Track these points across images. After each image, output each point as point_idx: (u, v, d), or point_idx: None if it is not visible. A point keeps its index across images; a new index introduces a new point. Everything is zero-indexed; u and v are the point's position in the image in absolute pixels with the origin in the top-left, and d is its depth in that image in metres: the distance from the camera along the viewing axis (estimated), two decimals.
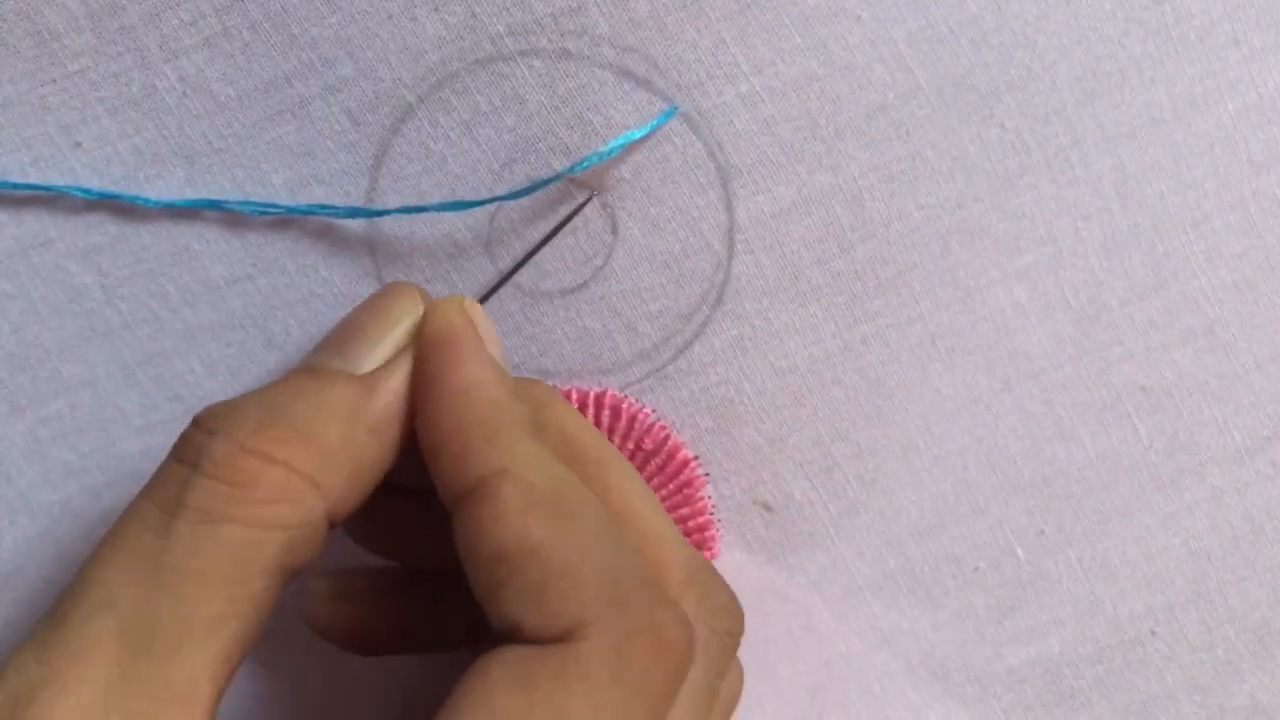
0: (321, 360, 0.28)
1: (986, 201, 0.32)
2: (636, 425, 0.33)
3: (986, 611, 0.35)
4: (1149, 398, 0.33)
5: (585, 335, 0.33)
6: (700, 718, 0.27)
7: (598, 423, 0.33)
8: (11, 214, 0.32)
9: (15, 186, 0.31)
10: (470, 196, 0.32)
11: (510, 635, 0.25)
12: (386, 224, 0.32)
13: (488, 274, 0.32)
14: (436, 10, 0.30)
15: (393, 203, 0.32)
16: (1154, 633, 0.35)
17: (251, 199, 0.32)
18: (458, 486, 0.26)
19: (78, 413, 0.33)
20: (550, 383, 0.33)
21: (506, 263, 0.32)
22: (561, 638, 0.25)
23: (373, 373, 0.27)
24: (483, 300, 0.31)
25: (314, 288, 0.32)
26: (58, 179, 0.31)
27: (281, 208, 0.31)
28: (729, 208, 0.32)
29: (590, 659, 0.25)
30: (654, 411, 0.33)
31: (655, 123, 0.31)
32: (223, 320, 0.32)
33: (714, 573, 0.29)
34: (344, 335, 0.28)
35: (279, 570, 0.25)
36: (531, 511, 0.25)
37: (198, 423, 0.26)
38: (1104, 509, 0.34)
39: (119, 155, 0.31)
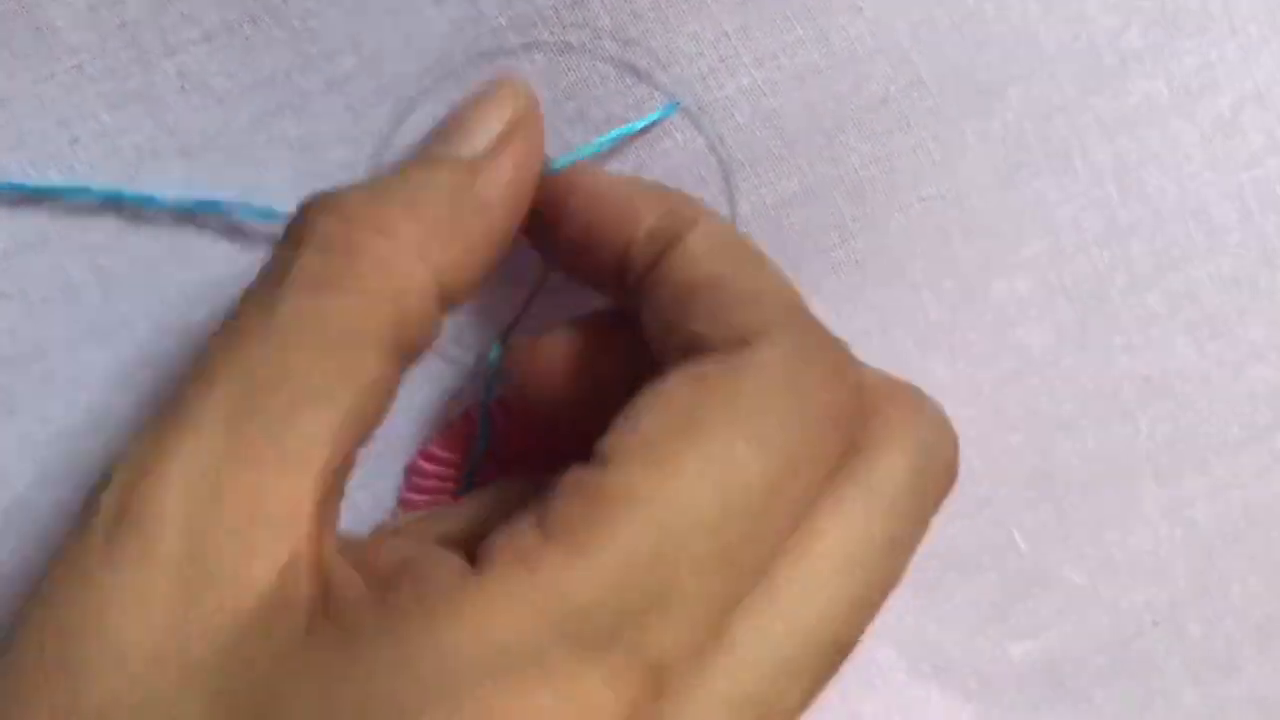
0: (426, 150, 0.28)
1: (988, 193, 0.32)
2: None
3: (989, 605, 0.35)
4: (1150, 388, 0.34)
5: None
6: (869, 505, 0.26)
7: None
8: (9, 212, 0.31)
9: (18, 188, 0.31)
10: None
11: (685, 360, 0.25)
12: None
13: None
14: (438, 3, 0.30)
15: None
16: (1155, 624, 0.35)
17: (251, 196, 0.31)
18: (646, 251, 0.27)
19: (73, 414, 0.33)
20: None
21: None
22: (740, 342, 0.25)
23: (476, 156, 0.28)
24: (513, 325, 0.32)
25: None
26: (55, 175, 0.31)
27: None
28: (731, 201, 0.32)
29: (764, 360, 0.25)
30: None
31: (653, 116, 0.31)
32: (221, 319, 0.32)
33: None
34: (448, 127, 0.29)
35: (392, 344, 0.25)
36: (719, 251, 0.27)
37: (304, 207, 0.26)
38: (1106, 500, 0.34)
39: (117, 151, 0.31)
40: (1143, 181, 0.32)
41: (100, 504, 0.23)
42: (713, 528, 0.23)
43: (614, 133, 0.31)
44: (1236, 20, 0.31)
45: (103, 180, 0.31)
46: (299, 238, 0.26)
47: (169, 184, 0.31)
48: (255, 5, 0.30)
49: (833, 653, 0.25)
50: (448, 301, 0.26)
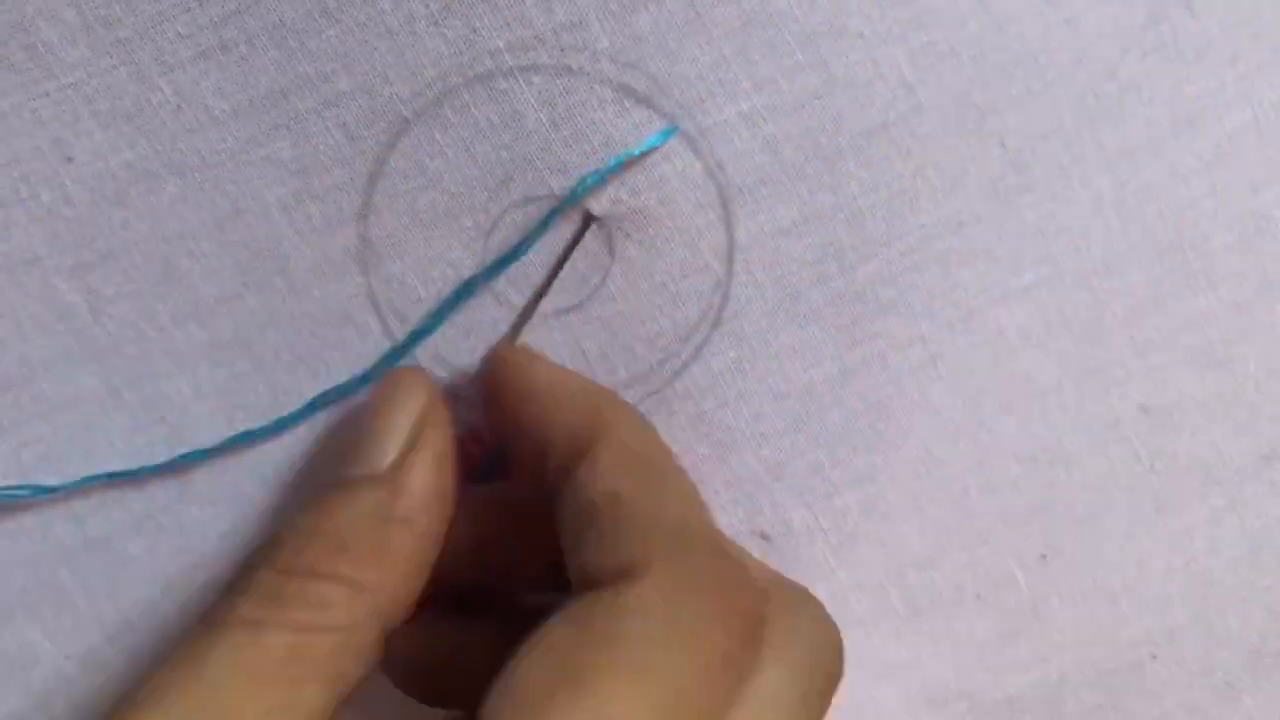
0: (343, 472, 0.29)
1: (987, 221, 0.32)
2: None
3: (987, 638, 0.35)
4: (1149, 418, 0.33)
5: (581, 357, 0.32)
6: None
7: None
8: (1, 230, 0.31)
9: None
10: (466, 213, 0.31)
11: (579, 586, 0.25)
12: (379, 242, 0.31)
13: (482, 291, 0.32)
14: (436, 25, 0.30)
15: (386, 219, 0.31)
16: (1154, 656, 0.35)
17: (245, 214, 0.31)
18: (560, 460, 0.28)
19: (61, 435, 0.32)
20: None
21: (501, 282, 0.32)
22: (623, 575, 0.25)
23: (391, 467, 0.29)
24: (512, 338, 0.32)
25: (305, 307, 0.32)
26: (47, 194, 0.31)
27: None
28: (728, 227, 0.32)
29: (646, 595, 0.24)
30: None
31: (652, 141, 0.31)
32: (211, 340, 0.32)
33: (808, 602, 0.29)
34: (356, 440, 0.29)
35: (334, 676, 0.26)
36: (622, 467, 0.27)
37: (242, 567, 0.28)
38: (1104, 531, 0.34)
39: (110, 170, 0.31)
40: (1142, 209, 0.32)
41: None
42: None
43: (613, 161, 0.31)
44: (1236, 48, 0.31)
45: (94, 199, 0.31)
46: (239, 589, 0.27)
47: (161, 202, 0.31)
48: (252, 24, 0.30)
49: None
50: (387, 623, 0.28)
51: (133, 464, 0.32)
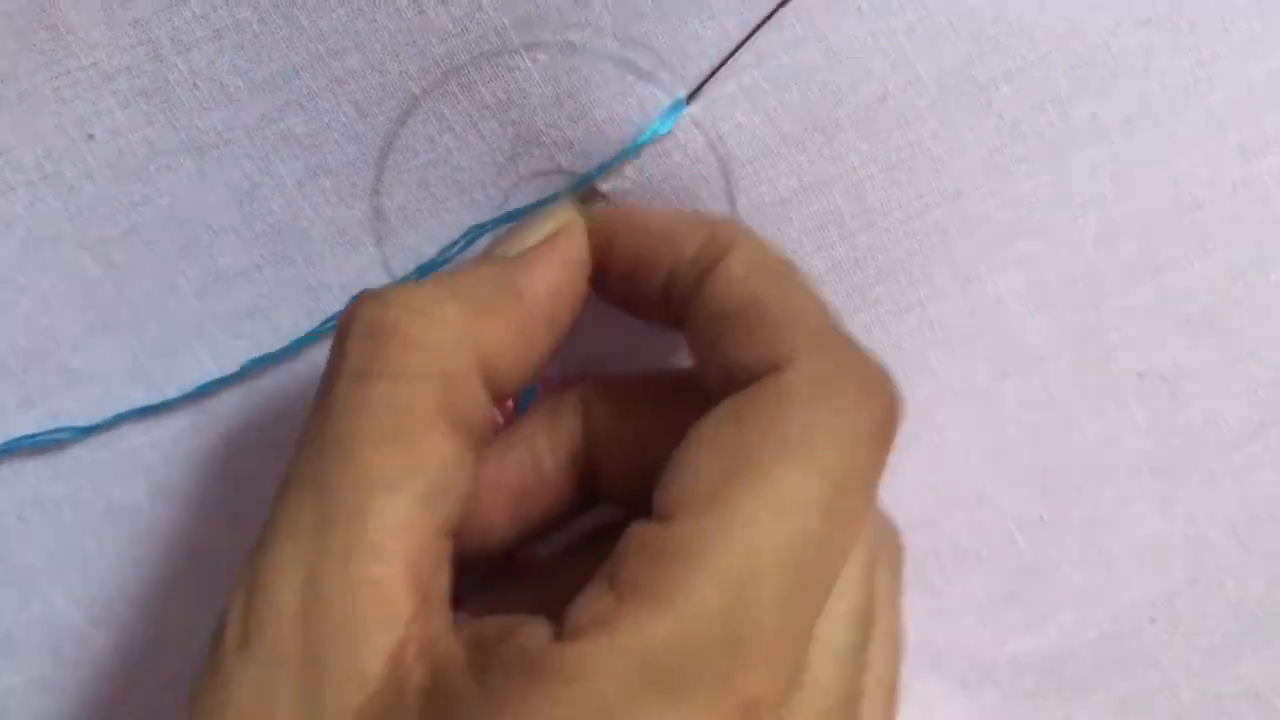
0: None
1: (984, 190, 0.33)
2: None
3: (987, 599, 0.35)
4: (1146, 384, 0.34)
5: (584, 330, 0.33)
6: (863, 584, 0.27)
7: None
8: (26, 206, 0.32)
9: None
10: (477, 187, 0.32)
11: (725, 388, 0.26)
12: (394, 214, 0.32)
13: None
14: (443, 2, 0.31)
15: (399, 192, 0.32)
16: (1153, 620, 0.35)
17: (261, 188, 0.32)
18: (689, 276, 0.28)
19: (86, 406, 0.33)
20: (548, 380, 0.33)
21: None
22: (772, 369, 0.26)
23: (518, 254, 0.29)
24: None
25: (321, 277, 0.33)
26: (70, 171, 0.32)
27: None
28: (731, 198, 0.32)
29: (802, 383, 0.25)
30: None
31: (671, 115, 0.31)
32: (231, 311, 0.33)
33: None
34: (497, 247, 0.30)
35: (448, 422, 0.26)
36: (753, 274, 0.28)
37: (351, 301, 0.27)
38: (1103, 495, 0.35)
39: (130, 147, 0.32)
40: (1137, 178, 0.33)
41: (227, 620, 0.25)
42: (779, 564, 0.24)
43: (641, 138, 0.31)
44: (1228, 19, 0.32)
45: (115, 175, 0.32)
46: (344, 329, 0.27)
47: (180, 181, 0.32)
48: (264, 4, 0.31)
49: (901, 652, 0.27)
50: (495, 386, 0.27)
51: (153, 432, 0.33)
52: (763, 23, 0.31)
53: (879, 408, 0.26)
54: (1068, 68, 0.32)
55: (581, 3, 0.31)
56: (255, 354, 0.33)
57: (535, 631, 0.24)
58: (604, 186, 0.32)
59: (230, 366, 0.33)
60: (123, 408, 0.33)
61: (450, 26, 0.31)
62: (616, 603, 0.23)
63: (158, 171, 0.32)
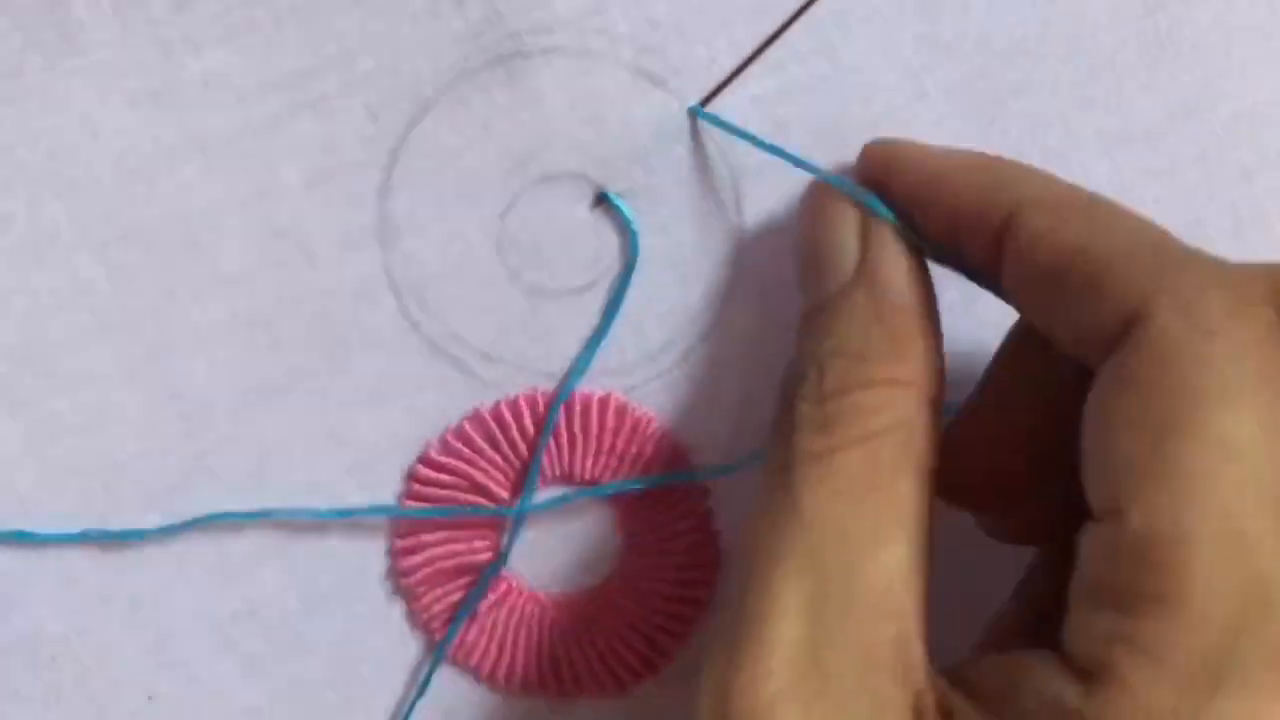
0: (812, 297, 0.29)
1: None
2: (639, 432, 0.33)
3: None
4: None
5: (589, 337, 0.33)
6: None
7: (600, 427, 0.33)
8: (24, 206, 0.31)
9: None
10: (485, 191, 0.32)
11: (1083, 348, 0.25)
12: (397, 219, 0.32)
13: (498, 270, 0.32)
14: (458, 5, 0.31)
15: (406, 196, 0.32)
16: None
17: (268, 191, 0.32)
18: (988, 242, 0.27)
19: (78, 410, 0.33)
20: (553, 384, 0.33)
21: (516, 262, 0.32)
22: (1133, 321, 0.24)
23: (856, 270, 0.28)
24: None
25: (322, 282, 0.32)
26: (72, 170, 0.31)
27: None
28: (739, 207, 0.33)
29: (1170, 328, 0.24)
30: (658, 417, 0.33)
31: (682, 122, 0.32)
32: (229, 318, 0.32)
33: None
34: (812, 268, 0.29)
35: (915, 467, 0.26)
36: (1059, 225, 0.26)
37: (772, 425, 0.28)
38: None
39: (136, 146, 0.31)
40: (1139, 195, 0.33)
41: (702, 707, 0.24)
42: (1259, 511, 0.23)
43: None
44: (1231, 40, 0.32)
45: (119, 174, 0.31)
46: (786, 432, 0.27)
47: (184, 181, 0.32)
48: (278, 5, 0.31)
49: None
50: (932, 399, 0.27)
51: (146, 439, 0.33)
52: (775, 34, 0.31)
53: (1262, 310, 0.24)
54: (1072, 84, 0.32)
55: (598, 10, 0.31)
56: (250, 361, 0.32)
57: (1048, 675, 0.23)
58: (613, 191, 0.32)
59: (224, 373, 0.32)
60: (114, 413, 0.33)
61: (465, 29, 0.31)
62: (1124, 617, 0.23)
63: (162, 172, 0.32)
